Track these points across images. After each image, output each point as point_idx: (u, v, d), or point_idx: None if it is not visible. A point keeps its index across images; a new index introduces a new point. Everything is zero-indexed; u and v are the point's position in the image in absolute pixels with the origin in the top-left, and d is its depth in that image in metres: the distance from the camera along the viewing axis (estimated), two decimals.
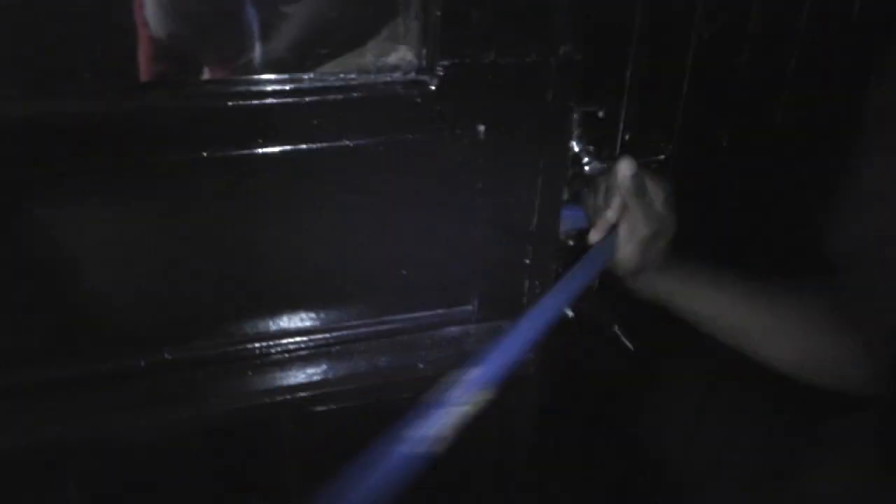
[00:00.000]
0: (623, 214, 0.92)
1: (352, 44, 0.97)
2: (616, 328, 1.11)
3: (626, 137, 1.02)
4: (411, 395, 0.96)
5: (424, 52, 0.81)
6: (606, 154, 1.02)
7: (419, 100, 0.82)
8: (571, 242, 1.04)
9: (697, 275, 0.98)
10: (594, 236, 0.95)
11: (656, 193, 0.91)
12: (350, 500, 0.67)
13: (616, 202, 0.92)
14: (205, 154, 0.80)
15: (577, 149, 0.99)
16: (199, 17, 1.22)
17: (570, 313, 1.07)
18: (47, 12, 0.76)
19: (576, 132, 0.99)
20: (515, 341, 0.81)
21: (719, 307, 0.97)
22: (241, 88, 0.81)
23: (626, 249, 0.94)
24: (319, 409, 0.93)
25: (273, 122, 0.80)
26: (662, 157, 0.99)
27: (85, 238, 0.82)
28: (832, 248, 0.91)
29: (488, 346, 0.81)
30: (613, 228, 0.94)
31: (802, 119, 1.07)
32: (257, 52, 1.23)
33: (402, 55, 0.84)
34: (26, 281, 0.82)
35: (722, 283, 0.97)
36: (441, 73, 0.81)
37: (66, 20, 0.77)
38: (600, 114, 0.99)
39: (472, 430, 1.06)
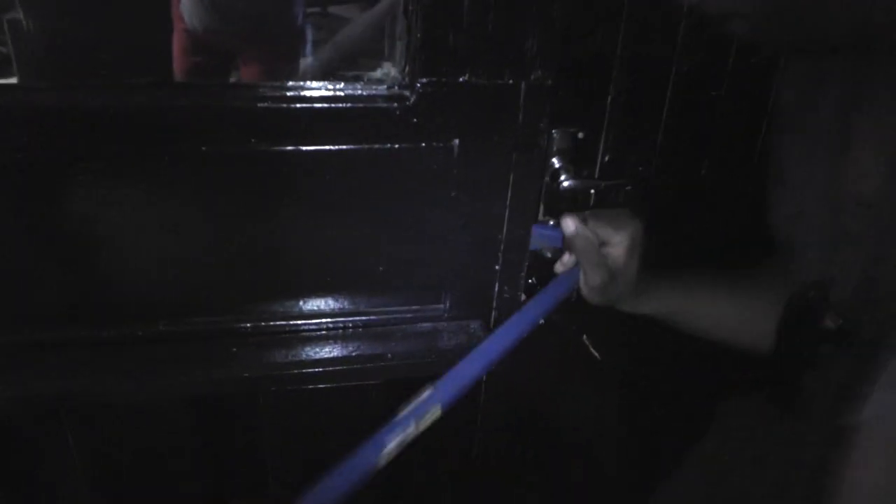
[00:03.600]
0: (578, 262, 0.98)
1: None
2: (585, 338, 1.17)
3: (606, 159, 1.08)
4: (378, 382, 1.04)
5: (406, 69, 0.88)
6: (586, 174, 1.08)
7: (399, 112, 0.89)
8: (549, 255, 1.10)
9: (678, 295, 1.03)
10: (557, 269, 1.02)
11: (616, 243, 0.96)
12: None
13: (564, 256, 0.98)
14: (204, 149, 0.89)
15: (556, 166, 1.05)
16: (236, 13, 1.31)
17: (541, 320, 1.13)
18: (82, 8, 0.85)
19: (557, 150, 1.05)
20: (481, 358, 0.88)
21: (699, 318, 1.03)
22: (239, 92, 0.89)
23: (584, 291, 1.00)
24: (293, 387, 1.01)
25: (264, 124, 0.88)
26: (629, 187, 1.05)
27: (105, 216, 0.91)
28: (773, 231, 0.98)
29: (453, 363, 0.87)
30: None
31: None
32: (292, 48, 1.31)
33: (387, 71, 0.92)
34: (49, 251, 0.92)
35: (697, 296, 1.03)
36: (419, 90, 0.88)
37: (101, 15, 0.86)
38: (580, 135, 1.05)
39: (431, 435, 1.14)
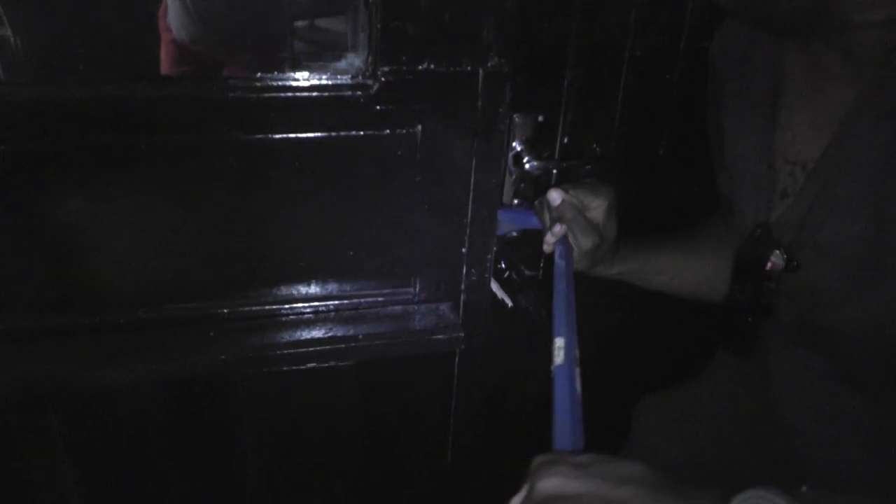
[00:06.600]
0: (567, 231, 1.02)
1: None
2: (546, 315, 1.21)
3: (565, 140, 1.12)
4: (351, 363, 1.08)
5: (369, 59, 0.92)
6: (547, 155, 1.12)
7: (363, 100, 0.93)
8: (514, 234, 1.14)
9: (642, 253, 1.09)
10: (546, 248, 1.06)
11: (596, 206, 1.01)
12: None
13: (554, 227, 1.02)
14: (178, 138, 0.92)
15: (519, 149, 1.10)
16: (223, 24, 1.33)
17: (509, 302, 1.17)
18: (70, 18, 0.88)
19: (519, 134, 1.09)
20: (567, 312, 0.93)
21: (661, 273, 1.11)
22: (211, 83, 0.92)
23: (575, 258, 1.04)
24: (269, 369, 1.05)
25: (235, 113, 0.92)
26: (589, 166, 1.09)
27: (85, 206, 0.94)
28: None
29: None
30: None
31: None
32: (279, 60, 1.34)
33: (351, 61, 0.95)
34: (31, 241, 0.94)
35: (663, 252, 1.11)
36: (382, 78, 0.92)
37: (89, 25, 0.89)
38: (540, 118, 1.09)
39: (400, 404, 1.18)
